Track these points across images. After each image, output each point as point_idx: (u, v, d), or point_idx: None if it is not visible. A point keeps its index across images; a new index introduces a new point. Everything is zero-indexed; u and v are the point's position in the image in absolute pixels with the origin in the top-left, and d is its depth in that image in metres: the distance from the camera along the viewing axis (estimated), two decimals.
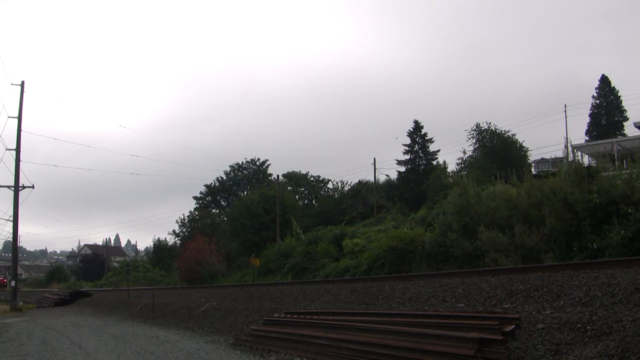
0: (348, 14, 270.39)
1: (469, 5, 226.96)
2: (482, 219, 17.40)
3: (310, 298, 16.00)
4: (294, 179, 62.75)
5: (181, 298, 25.10)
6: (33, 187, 34.43)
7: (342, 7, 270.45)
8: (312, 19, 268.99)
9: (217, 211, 66.03)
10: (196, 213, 61.83)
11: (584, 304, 8.35)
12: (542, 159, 50.47)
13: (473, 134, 49.38)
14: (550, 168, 41.50)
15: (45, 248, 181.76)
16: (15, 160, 33.18)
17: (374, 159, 54.13)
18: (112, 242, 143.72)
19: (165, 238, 67.47)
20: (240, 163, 68.89)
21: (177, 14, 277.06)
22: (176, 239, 62.30)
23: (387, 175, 54.24)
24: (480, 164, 42.12)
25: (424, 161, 49.35)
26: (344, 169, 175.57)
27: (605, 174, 16.15)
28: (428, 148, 49.66)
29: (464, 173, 37.89)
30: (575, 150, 32.91)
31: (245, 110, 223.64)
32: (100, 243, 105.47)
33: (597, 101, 56.59)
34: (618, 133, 51.33)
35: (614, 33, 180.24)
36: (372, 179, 47.36)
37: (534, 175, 23.56)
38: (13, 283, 34.44)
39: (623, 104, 56.02)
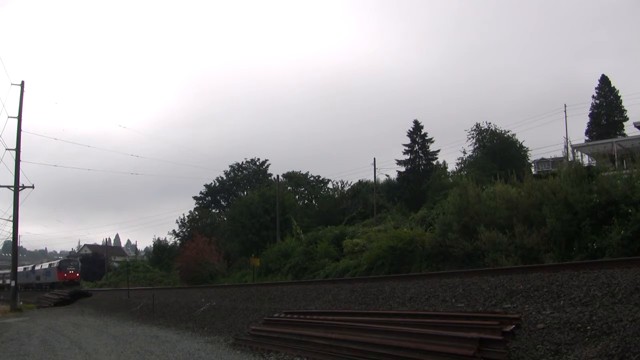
0: (350, 14, 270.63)
1: (470, 6, 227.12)
2: (482, 219, 17.41)
3: (310, 298, 15.99)
4: (294, 179, 62.74)
5: (181, 298, 25.09)
6: (33, 187, 34.46)
7: (344, 8, 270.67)
8: (313, 19, 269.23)
9: (217, 211, 66.06)
10: (196, 213, 61.88)
11: (584, 304, 8.35)
12: (542, 159, 50.48)
13: (473, 134, 49.39)
14: (550, 168, 41.53)
15: (45, 248, 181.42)
16: (15, 160, 33.20)
17: (374, 159, 54.10)
18: (112, 242, 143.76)
19: (165, 238, 67.60)
20: (240, 163, 68.97)
21: (178, 14, 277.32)
22: (176, 239, 62.40)
23: (387, 175, 54.28)
24: (480, 164, 42.11)
25: (424, 161, 49.32)
26: (344, 169, 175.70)
27: (605, 174, 16.15)
28: (428, 148, 49.64)
29: (464, 173, 37.89)
30: (575, 150, 33.00)
31: (246, 110, 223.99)
32: (100, 243, 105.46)
33: (597, 101, 56.61)
34: (618, 133, 51.34)
35: (614, 33, 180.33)
36: (372, 179, 47.40)
37: (534, 175, 23.61)
38: (13, 283, 34.46)
39: (623, 104, 56.11)
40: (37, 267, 58.15)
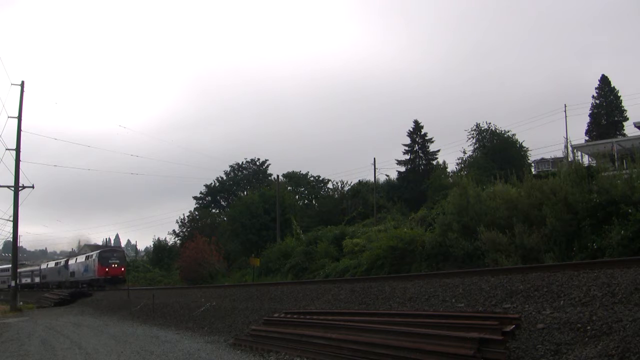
0: (351, 15, 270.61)
1: (471, 7, 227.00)
2: (482, 219, 17.41)
3: (310, 298, 15.98)
4: (294, 179, 62.79)
5: (181, 298, 25.08)
6: (33, 187, 34.51)
7: (346, 9, 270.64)
8: (314, 19, 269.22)
9: (217, 211, 66.09)
10: (196, 213, 61.91)
11: (584, 304, 8.35)
12: (542, 159, 50.58)
13: (473, 134, 49.51)
14: (550, 168, 41.59)
15: (45, 248, 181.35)
16: (15, 160, 33.25)
17: (374, 159, 54.32)
18: (112, 242, 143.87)
19: (165, 238, 67.54)
20: (240, 163, 69.07)
21: (179, 14, 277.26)
22: (176, 239, 62.39)
23: (387, 175, 54.39)
24: (480, 164, 42.19)
25: (424, 161, 49.43)
26: (344, 169, 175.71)
27: (605, 174, 16.15)
28: (428, 148, 49.74)
29: (464, 173, 37.92)
30: (575, 150, 32.98)
31: (246, 110, 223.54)
32: (100, 243, 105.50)
33: (597, 101, 56.66)
34: (618, 133, 51.40)
35: (614, 33, 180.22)
36: (372, 179, 47.43)
37: (534, 175, 23.58)
38: (13, 283, 34.50)
39: (623, 104, 56.21)
40: (71, 262, 48.89)
